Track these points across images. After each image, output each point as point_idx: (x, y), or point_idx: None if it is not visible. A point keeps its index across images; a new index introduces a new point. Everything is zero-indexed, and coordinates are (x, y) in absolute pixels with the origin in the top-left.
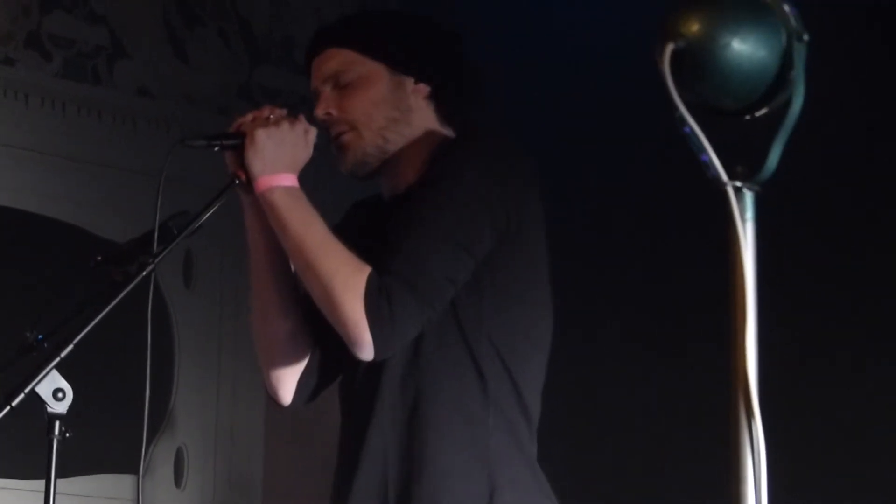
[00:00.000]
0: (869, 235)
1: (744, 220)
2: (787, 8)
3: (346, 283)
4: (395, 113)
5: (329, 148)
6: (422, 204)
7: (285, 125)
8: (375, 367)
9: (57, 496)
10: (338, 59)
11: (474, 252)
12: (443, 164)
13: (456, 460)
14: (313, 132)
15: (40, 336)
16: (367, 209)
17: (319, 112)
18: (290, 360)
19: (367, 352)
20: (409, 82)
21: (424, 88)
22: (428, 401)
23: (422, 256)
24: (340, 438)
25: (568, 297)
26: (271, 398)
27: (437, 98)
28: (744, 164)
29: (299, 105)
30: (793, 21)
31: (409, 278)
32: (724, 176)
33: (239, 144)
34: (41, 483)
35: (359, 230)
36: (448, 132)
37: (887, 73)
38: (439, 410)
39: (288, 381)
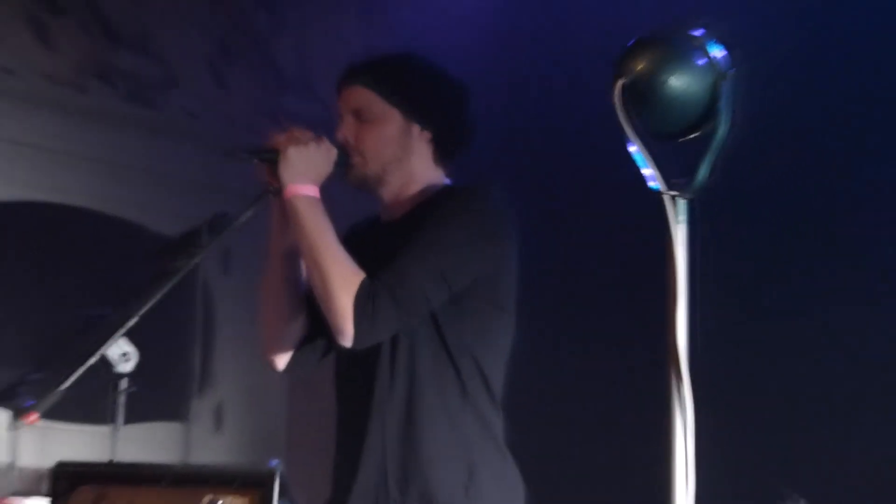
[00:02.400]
0: (798, 230)
1: (678, 223)
2: (715, 50)
3: (343, 281)
4: (399, 153)
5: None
6: (422, 238)
7: (312, 145)
8: (369, 370)
9: (118, 441)
10: (362, 98)
11: (452, 284)
12: (445, 206)
13: (442, 449)
14: (334, 152)
15: (107, 310)
16: (363, 230)
17: (340, 136)
18: (288, 337)
19: (347, 340)
20: (417, 128)
21: (427, 134)
22: (418, 400)
23: (409, 276)
24: (340, 429)
25: (534, 299)
26: (268, 363)
27: (435, 143)
28: (679, 177)
29: (319, 128)
30: (720, 62)
31: (394, 289)
32: (663, 186)
33: (275, 158)
34: (105, 428)
35: (357, 248)
36: (439, 172)
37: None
38: (428, 408)
39: (283, 353)
